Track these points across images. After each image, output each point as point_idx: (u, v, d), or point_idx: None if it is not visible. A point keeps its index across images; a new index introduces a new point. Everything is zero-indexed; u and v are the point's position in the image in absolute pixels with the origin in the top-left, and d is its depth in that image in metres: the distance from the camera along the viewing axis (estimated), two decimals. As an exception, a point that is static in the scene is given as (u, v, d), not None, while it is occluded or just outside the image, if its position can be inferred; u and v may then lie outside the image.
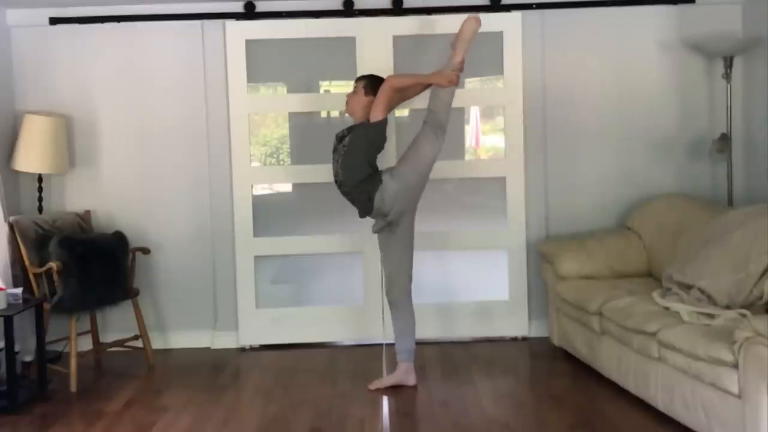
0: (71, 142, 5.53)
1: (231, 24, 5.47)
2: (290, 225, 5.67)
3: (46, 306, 4.81)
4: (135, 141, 5.57)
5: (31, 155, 5.22)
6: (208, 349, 5.59)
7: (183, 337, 5.62)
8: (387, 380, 4.59)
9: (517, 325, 5.50)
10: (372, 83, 4.55)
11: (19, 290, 4.63)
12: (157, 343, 5.47)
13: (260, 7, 5.48)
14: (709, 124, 5.54)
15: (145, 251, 5.38)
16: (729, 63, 5.24)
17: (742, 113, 5.46)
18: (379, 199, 4.44)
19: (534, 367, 5.04)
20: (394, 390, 4.58)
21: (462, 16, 5.43)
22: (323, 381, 4.79)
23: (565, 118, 5.56)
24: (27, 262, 4.94)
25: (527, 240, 5.53)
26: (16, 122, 5.44)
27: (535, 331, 5.53)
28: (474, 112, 5.79)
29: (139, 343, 5.26)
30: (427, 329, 5.30)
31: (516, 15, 5.46)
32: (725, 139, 5.30)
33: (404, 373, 4.59)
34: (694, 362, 3.64)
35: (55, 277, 4.78)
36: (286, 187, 5.82)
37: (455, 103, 5.61)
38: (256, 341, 5.59)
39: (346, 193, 4.57)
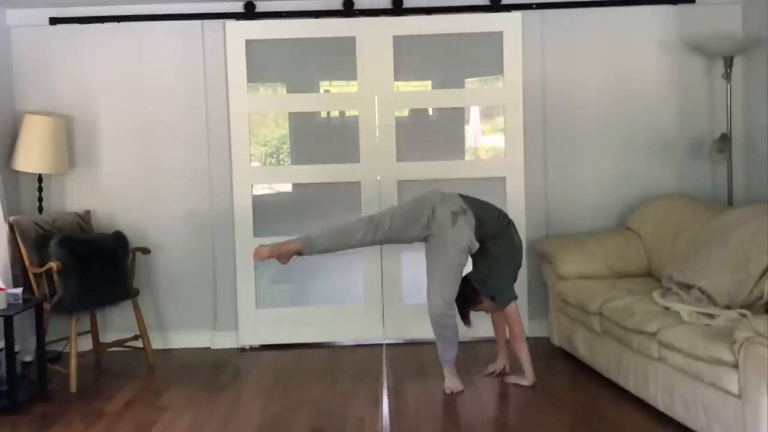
0: (71, 142, 5.53)
1: (231, 24, 5.47)
2: (290, 225, 5.67)
3: (46, 306, 4.81)
4: (135, 141, 5.57)
5: (31, 155, 5.22)
6: (208, 349, 5.59)
7: (183, 337, 5.62)
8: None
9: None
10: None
11: (19, 290, 4.63)
12: (157, 343, 5.47)
13: (260, 7, 5.48)
14: (709, 124, 5.55)
15: (145, 251, 5.38)
16: (729, 63, 5.25)
17: (742, 113, 5.46)
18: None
19: (534, 367, 5.03)
20: (394, 390, 4.59)
21: (462, 16, 5.47)
22: (323, 381, 4.79)
23: (565, 118, 5.57)
24: (27, 262, 4.94)
25: (527, 240, 5.53)
26: (16, 122, 5.44)
27: (535, 331, 5.53)
28: (474, 112, 5.79)
29: (139, 343, 5.26)
30: (427, 329, 5.27)
31: (516, 15, 5.46)
32: (725, 139, 5.30)
33: (447, 376, 4.58)
34: (694, 362, 3.63)
35: (55, 277, 4.78)
36: (286, 187, 5.82)
37: (455, 103, 5.66)
38: (256, 341, 5.59)
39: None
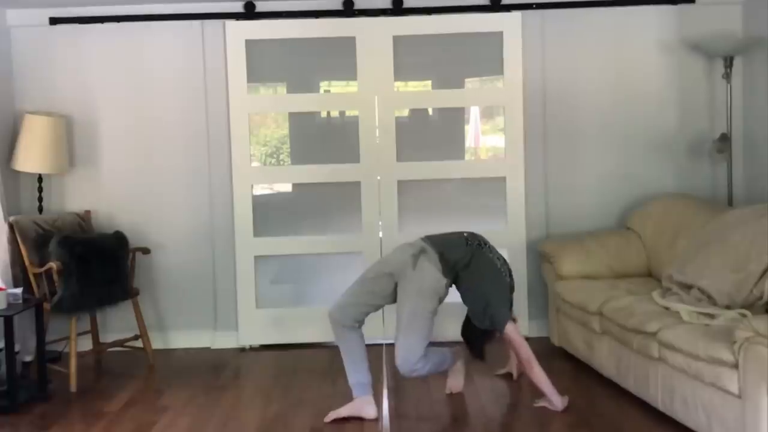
0: (71, 142, 5.53)
1: (231, 24, 5.47)
2: (290, 225, 5.67)
3: (46, 306, 4.81)
4: (135, 141, 5.57)
5: (31, 155, 5.22)
6: (208, 349, 5.59)
7: (183, 337, 5.62)
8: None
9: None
10: None
11: (19, 290, 4.63)
12: (157, 343, 5.47)
13: (260, 7, 5.48)
14: (709, 124, 5.55)
15: (145, 251, 5.38)
16: (729, 63, 5.25)
17: (742, 113, 5.46)
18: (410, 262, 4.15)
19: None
20: (394, 390, 4.59)
21: (462, 16, 5.48)
22: (323, 381, 4.79)
23: (565, 118, 5.57)
24: (27, 262, 4.94)
25: (527, 240, 5.53)
26: (16, 122, 5.44)
27: (535, 331, 5.54)
28: (474, 112, 5.79)
29: (139, 343, 5.26)
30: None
31: (516, 15, 5.46)
32: (725, 139, 5.30)
33: (451, 375, 4.51)
34: (694, 362, 3.63)
35: (55, 277, 4.77)
36: (286, 187, 5.82)
37: (455, 103, 5.66)
38: (256, 341, 5.59)
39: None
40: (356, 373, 4.19)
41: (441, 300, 4.17)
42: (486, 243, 4.30)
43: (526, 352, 4.14)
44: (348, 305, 4.23)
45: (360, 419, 4.12)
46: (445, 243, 4.22)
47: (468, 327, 4.35)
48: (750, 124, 5.43)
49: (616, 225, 5.53)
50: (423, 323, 4.08)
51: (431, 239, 4.25)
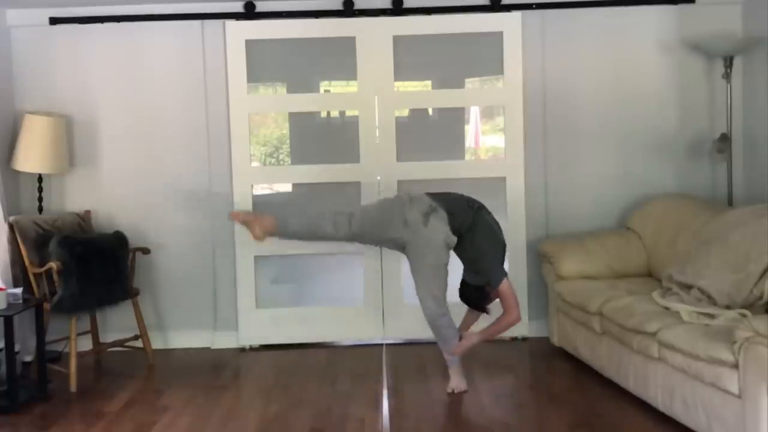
0: (71, 142, 5.53)
1: (231, 24, 5.47)
2: (290, 225, 5.67)
3: (46, 306, 4.81)
4: (135, 141, 5.57)
5: (31, 155, 5.22)
6: (208, 349, 5.59)
7: (183, 337, 5.62)
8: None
9: (517, 325, 5.48)
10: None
11: (19, 290, 4.63)
12: (157, 343, 5.47)
13: (260, 7, 5.48)
14: (709, 124, 5.55)
15: (145, 251, 5.38)
16: (729, 63, 5.25)
17: (742, 113, 5.46)
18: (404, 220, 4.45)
19: (534, 367, 5.04)
20: (394, 390, 4.59)
21: (462, 16, 5.48)
22: (323, 381, 4.79)
23: (565, 118, 5.57)
24: (27, 262, 4.94)
25: (527, 240, 5.53)
26: (16, 122, 5.44)
27: (535, 331, 5.54)
28: (474, 112, 5.80)
29: (139, 343, 5.27)
30: (427, 329, 5.28)
31: (516, 15, 5.46)
32: (725, 139, 5.30)
33: (453, 376, 4.57)
34: (694, 362, 3.63)
35: (55, 277, 4.77)
36: (286, 187, 5.82)
37: (455, 103, 5.67)
38: (256, 341, 5.59)
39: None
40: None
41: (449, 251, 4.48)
42: (483, 206, 4.57)
43: (516, 310, 4.48)
44: (364, 208, 4.72)
45: (359, 420, 4.12)
46: (453, 204, 4.49)
47: (465, 289, 4.61)
48: (750, 124, 5.43)
49: (616, 225, 5.54)
50: (442, 275, 4.44)
51: (438, 198, 4.49)
